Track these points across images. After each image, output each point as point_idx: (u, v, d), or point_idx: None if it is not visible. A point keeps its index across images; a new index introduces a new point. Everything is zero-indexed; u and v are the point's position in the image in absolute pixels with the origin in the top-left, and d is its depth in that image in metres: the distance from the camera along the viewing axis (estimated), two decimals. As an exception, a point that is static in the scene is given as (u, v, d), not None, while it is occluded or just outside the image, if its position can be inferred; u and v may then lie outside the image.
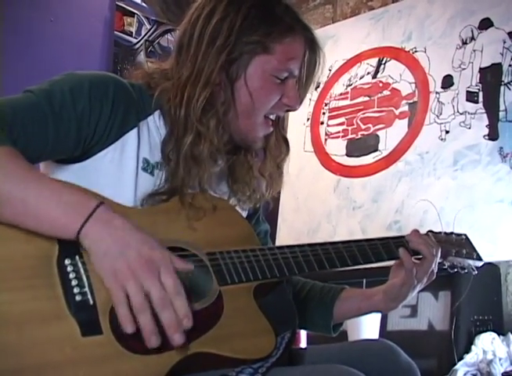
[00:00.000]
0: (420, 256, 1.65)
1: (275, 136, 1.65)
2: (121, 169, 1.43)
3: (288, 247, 1.51)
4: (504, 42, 3.17)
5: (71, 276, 1.21)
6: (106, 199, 1.32)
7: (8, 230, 1.21)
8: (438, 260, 1.67)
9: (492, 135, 3.10)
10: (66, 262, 1.23)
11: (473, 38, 3.31)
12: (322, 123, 3.85)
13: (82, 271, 1.23)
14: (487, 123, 3.14)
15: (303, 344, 1.75)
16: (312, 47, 1.59)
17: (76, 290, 1.20)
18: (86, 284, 1.22)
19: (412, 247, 1.65)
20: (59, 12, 3.57)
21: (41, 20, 3.50)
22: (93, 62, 3.59)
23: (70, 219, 1.20)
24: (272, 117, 1.58)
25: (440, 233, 1.82)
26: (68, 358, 1.14)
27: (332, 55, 3.81)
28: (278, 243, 3.57)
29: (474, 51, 3.28)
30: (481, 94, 3.21)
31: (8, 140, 1.24)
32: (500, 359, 2.60)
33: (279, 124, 1.66)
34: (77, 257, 1.24)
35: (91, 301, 1.20)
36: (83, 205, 1.22)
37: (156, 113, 1.51)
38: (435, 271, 1.66)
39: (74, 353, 1.15)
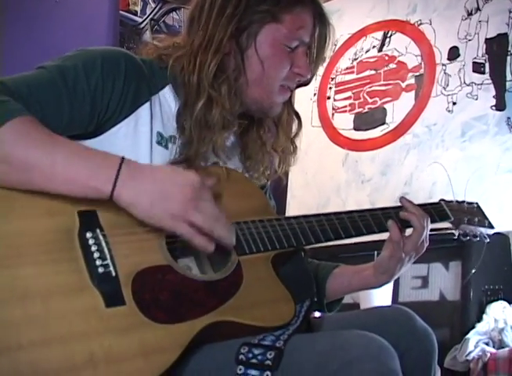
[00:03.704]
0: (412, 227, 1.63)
1: (287, 111, 1.66)
2: (136, 143, 1.44)
3: (304, 216, 1.53)
4: (510, 12, 3.17)
5: (93, 248, 1.23)
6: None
7: (28, 205, 1.23)
8: (453, 229, 1.67)
9: (499, 106, 3.11)
10: (88, 235, 1.25)
11: (478, 9, 3.30)
12: (328, 98, 3.86)
13: (104, 243, 1.25)
14: (494, 93, 3.15)
15: (317, 313, 1.76)
16: (322, 21, 1.60)
17: (98, 262, 1.22)
18: (108, 256, 1.24)
19: (402, 217, 1.63)
20: (64, -6, 3.58)
21: (46, 2, 3.50)
22: (99, 42, 3.59)
23: (99, 181, 1.23)
24: (287, 86, 1.59)
25: (452, 201, 1.82)
26: (93, 329, 1.16)
27: (337, 29, 3.70)
28: (288, 218, 3.59)
29: (480, 22, 3.28)
30: (487, 65, 3.22)
31: (25, 110, 1.26)
32: (512, 327, 2.63)
33: (290, 100, 1.67)
34: (98, 230, 1.26)
35: (113, 273, 1.23)
36: (108, 164, 1.25)
37: (168, 87, 1.53)
38: (426, 244, 1.63)
39: (99, 324, 1.17)
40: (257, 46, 1.52)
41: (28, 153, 1.21)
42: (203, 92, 1.49)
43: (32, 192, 1.23)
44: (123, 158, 1.26)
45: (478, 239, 1.85)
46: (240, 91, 1.54)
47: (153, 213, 1.26)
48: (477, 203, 1.90)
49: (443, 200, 1.81)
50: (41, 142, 1.23)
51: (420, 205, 1.69)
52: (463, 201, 1.86)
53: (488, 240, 1.86)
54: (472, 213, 1.84)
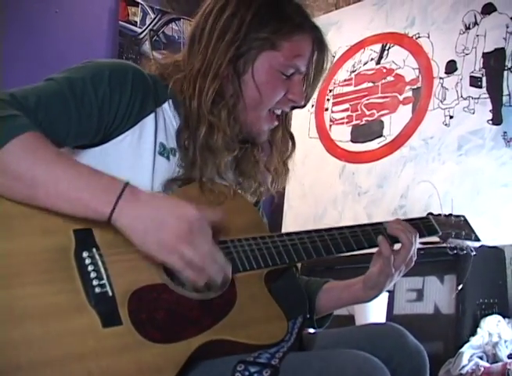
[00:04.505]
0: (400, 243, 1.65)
1: (282, 132, 1.69)
2: (139, 152, 1.47)
3: (296, 233, 1.55)
4: (507, 27, 3.19)
5: (89, 268, 1.24)
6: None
7: (25, 223, 1.24)
8: (444, 244, 1.69)
9: (496, 120, 3.13)
10: (84, 254, 1.25)
11: (476, 23, 3.32)
12: (326, 109, 3.87)
13: (100, 263, 1.26)
14: (490, 108, 3.16)
15: (311, 329, 1.77)
16: (320, 47, 1.62)
17: (95, 282, 1.23)
18: (104, 276, 1.25)
19: (390, 233, 1.65)
20: (64, 4, 3.59)
21: (45, 12, 3.51)
22: (98, 52, 3.60)
23: (100, 202, 1.24)
24: (278, 111, 1.62)
25: (440, 215, 1.85)
26: (91, 349, 1.17)
27: (335, 41, 3.82)
28: (284, 230, 3.61)
29: (478, 36, 3.30)
30: (484, 79, 3.23)
31: (34, 125, 1.27)
32: (506, 342, 2.63)
33: (286, 121, 1.71)
34: (94, 249, 1.27)
35: (110, 293, 1.24)
36: (111, 187, 1.25)
37: (168, 103, 1.55)
38: (414, 258, 1.66)
39: (97, 344, 1.18)
40: (254, 72, 1.55)
41: (35, 169, 1.22)
42: (203, 119, 1.52)
43: (29, 210, 1.24)
44: (127, 183, 1.27)
45: (465, 252, 1.87)
46: (238, 116, 1.56)
47: (146, 240, 1.25)
48: (463, 216, 1.93)
49: (431, 213, 1.85)
50: (48, 160, 1.24)
51: (408, 220, 1.72)
52: (450, 214, 1.89)
53: (474, 253, 1.89)
54: (459, 226, 1.87)
